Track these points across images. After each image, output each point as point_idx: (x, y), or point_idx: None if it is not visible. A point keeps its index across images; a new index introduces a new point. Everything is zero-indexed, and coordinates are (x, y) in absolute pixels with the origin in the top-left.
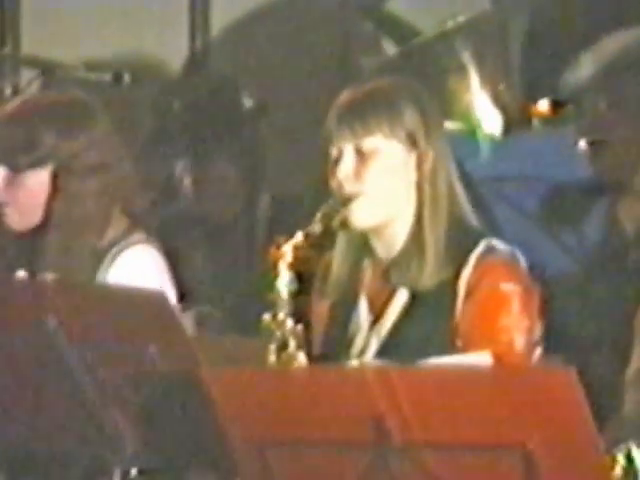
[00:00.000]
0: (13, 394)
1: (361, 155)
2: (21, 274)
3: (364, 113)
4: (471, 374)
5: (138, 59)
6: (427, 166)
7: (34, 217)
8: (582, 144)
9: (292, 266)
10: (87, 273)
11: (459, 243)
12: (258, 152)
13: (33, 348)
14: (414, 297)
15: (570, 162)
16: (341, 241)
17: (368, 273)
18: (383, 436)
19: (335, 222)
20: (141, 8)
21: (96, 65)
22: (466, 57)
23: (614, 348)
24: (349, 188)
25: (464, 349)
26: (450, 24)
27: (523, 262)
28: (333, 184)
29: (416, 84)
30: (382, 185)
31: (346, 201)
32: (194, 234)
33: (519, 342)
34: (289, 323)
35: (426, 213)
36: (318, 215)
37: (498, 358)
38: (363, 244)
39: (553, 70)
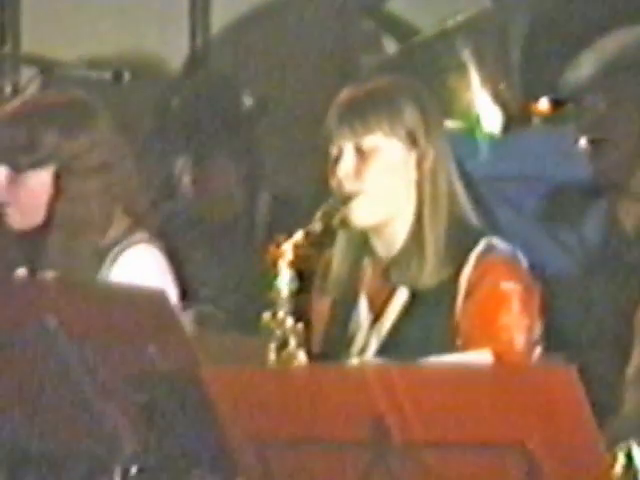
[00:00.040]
0: (13, 393)
1: (361, 154)
2: (21, 273)
3: (364, 111)
4: (471, 373)
5: (138, 57)
6: (427, 165)
7: (35, 217)
8: (582, 143)
9: (292, 264)
10: (89, 273)
11: (459, 242)
12: (258, 151)
13: (33, 346)
14: (414, 296)
15: (570, 161)
16: (341, 240)
17: (368, 272)
18: (383, 435)
19: (335, 221)
20: (141, 6)
21: (96, 63)
22: (466, 56)
23: (614, 347)
24: (349, 187)
25: (464, 348)
26: (450, 23)
27: (523, 261)
28: (333, 183)
29: (416, 83)
30: (382, 184)
31: (346, 200)
32: (193, 233)
33: (519, 341)
34: (289, 322)
35: (426, 212)
36: (318, 214)
37: (498, 357)
38: (363, 243)
39: (553, 69)
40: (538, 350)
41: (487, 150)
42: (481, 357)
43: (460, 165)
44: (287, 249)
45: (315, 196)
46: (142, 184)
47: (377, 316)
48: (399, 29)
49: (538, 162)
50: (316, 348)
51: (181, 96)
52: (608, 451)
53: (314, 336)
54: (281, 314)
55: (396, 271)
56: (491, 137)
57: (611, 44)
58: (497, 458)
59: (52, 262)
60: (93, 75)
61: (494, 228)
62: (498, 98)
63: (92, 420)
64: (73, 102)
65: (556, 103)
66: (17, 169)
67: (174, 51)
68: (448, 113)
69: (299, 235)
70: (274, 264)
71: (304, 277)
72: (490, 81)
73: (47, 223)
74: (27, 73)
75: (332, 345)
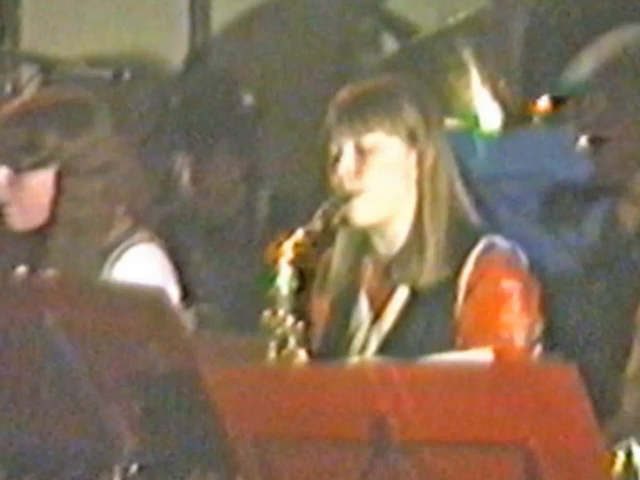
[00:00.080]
0: (11, 391)
1: (361, 152)
2: (20, 270)
3: (364, 110)
4: (472, 371)
5: (138, 56)
6: (427, 163)
7: (37, 217)
8: (582, 141)
9: (293, 263)
10: (91, 273)
11: (459, 240)
12: (258, 149)
13: (31, 345)
14: (414, 294)
15: (570, 159)
16: (341, 238)
17: (368, 270)
18: (383, 433)
19: (335, 219)
20: (141, 5)
21: (96, 61)
22: (466, 54)
23: (614, 346)
24: (349, 185)
25: (465, 346)
26: (450, 21)
27: (524, 259)
28: (333, 181)
29: (416, 81)
30: (382, 182)
31: (346, 198)
32: (193, 231)
33: (519, 339)
34: (289, 320)
35: (426, 210)
36: (318, 212)
37: (498, 355)
38: (363, 241)
39: (553, 67)
40: (538, 349)
41: (487, 149)
42: (481, 356)
43: (460, 164)
44: (287, 248)
45: (315, 195)
46: (144, 183)
47: (377, 315)
48: (399, 28)
49: (538, 161)
50: (316, 347)
51: (181, 94)
52: (608, 450)
53: (314, 335)
54: (281, 313)
55: (396, 270)
56: (491, 136)
57: (611, 43)
58: (498, 457)
59: (54, 262)
60: (93, 73)
61: (494, 227)
62: (498, 97)
63: (92, 419)
64: (73, 102)
65: (556, 102)
66: (18, 170)
67: (174, 49)
68: (448, 112)
69: (299, 234)
70: (274, 263)
71: (304, 276)
72: (490, 80)
73: (49, 224)
74: (27, 71)
75: (332, 344)
